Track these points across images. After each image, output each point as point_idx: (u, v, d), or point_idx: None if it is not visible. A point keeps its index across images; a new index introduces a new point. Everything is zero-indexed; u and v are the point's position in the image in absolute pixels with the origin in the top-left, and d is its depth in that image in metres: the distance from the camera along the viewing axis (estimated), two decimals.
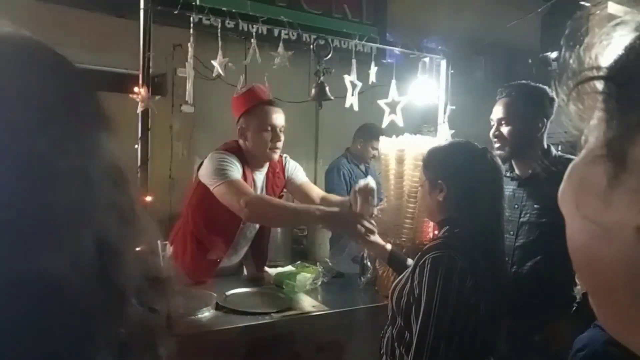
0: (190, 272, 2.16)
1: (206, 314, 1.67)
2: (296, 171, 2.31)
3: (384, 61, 3.38)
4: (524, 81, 1.78)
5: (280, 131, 2.08)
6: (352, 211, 1.85)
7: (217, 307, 1.72)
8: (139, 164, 1.38)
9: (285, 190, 2.30)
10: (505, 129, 1.75)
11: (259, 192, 2.16)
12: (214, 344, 1.58)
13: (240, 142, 2.11)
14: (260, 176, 2.18)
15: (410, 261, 1.73)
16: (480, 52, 5.06)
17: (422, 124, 3.44)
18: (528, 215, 1.71)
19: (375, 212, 1.86)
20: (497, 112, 1.77)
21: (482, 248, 1.35)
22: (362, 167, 3.55)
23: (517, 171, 1.80)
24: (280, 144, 2.08)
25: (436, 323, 1.24)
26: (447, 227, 1.42)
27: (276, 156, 2.10)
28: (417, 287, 1.32)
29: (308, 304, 1.85)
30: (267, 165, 2.19)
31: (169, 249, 2.15)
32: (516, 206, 1.75)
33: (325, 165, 3.82)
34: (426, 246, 1.40)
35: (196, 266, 2.15)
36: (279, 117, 2.06)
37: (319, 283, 2.06)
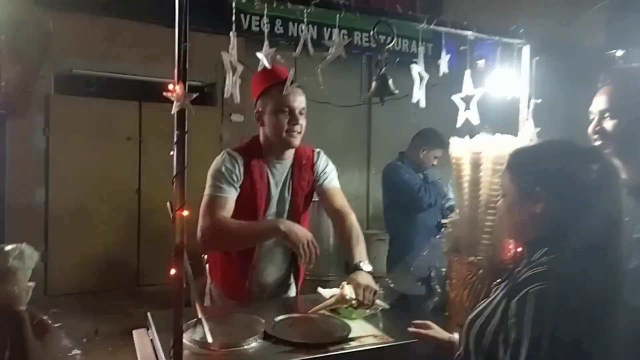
0: (224, 288, 2.00)
1: (253, 344, 1.46)
2: (327, 172, 2.05)
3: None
4: (635, 64, 1.46)
5: (300, 114, 1.87)
6: (299, 232, 1.71)
7: (265, 336, 1.51)
8: (174, 172, 1.18)
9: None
10: (609, 123, 1.43)
11: (279, 187, 1.97)
12: None
13: (260, 130, 1.94)
14: (281, 168, 1.97)
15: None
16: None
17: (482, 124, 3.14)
18: None
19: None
20: (599, 102, 1.46)
21: (596, 278, 1.05)
22: (420, 174, 3.26)
23: (624, 175, 1.47)
24: (299, 128, 1.87)
25: None
26: (545, 249, 1.12)
27: (295, 142, 1.89)
28: (513, 327, 1.03)
29: (369, 333, 1.59)
30: (289, 154, 1.97)
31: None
32: (627, 219, 1.42)
33: (379, 174, 3.56)
34: (521, 274, 1.11)
35: (227, 280, 2.02)
36: (297, 98, 1.85)
37: (380, 308, 1.80)
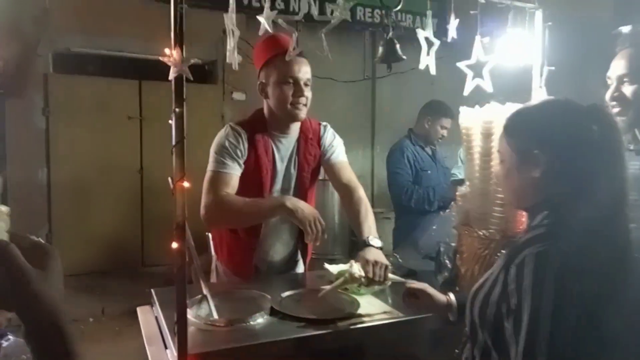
0: (230, 265, 1.97)
1: (259, 320, 1.42)
2: (334, 145, 1.99)
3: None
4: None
5: (306, 85, 1.80)
6: (305, 209, 1.67)
7: (272, 312, 1.47)
8: (173, 142, 1.12)
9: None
10: (629, 89, 1.37)
11: (285, 162, 1.91)
12: (268, 358, 1.32)
13: (264, 103, 1.88)
14: (286, 143, 1.91)
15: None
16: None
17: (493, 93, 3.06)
18: None
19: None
20: (618, 67, 1.39)
21: (601, 241, 1.00)
22: (429, 149, 3.19)
23: None
24: (304, 100, 1.80)
25: (549, 343, 0.93)
26: (546, 212, 1.07)
27: (301, 114, 1.82)
28: (513, 294, 0.99)
29: (378, 309, 1.55)
30: (295, 128, 1.91)
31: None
32: None
33: (383, 152, 3.50)
34: (521, 238, 1.06)
35: (233, 257, 1.97)
36: (302, 69, 1.78)
37: (389, 283, 1.76)
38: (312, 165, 1.95)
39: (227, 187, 1.76)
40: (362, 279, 1.61)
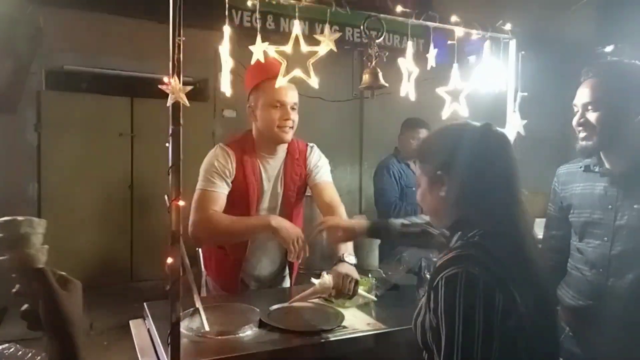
0: (219, 280, 2.04)
1: (248, 332, 1.49)
2: (319, 166, 2.07)
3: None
4: (614, 58, 1.51)
5: (292, 109, 1.90)
6: (289, 228, 1.75)
7: (260, 324, 1.54)
8: (169, 164, 1.20)
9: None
10: (592, 115, 1.48)
11: (272, 182, 1.99)
12: None
13: (253, 125, 1.97)
14: (273, 163, 1.99)
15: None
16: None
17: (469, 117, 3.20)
18: (626, 217, 1.43)
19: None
20: (583, 95, 1.50)
21: (508, 250, 1.05)
22: (413, 167, 3.30)
23: (607, 165, 1.52)
24: (290, 123, 1.90)
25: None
26: (459, 232, 1.13)
27: (287, 137, 1.92)
28: (433, 317, 1.03)
29: (361, 320, 1.63)
30: (282, 149, 2.00)
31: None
32: (610, 207, 1.47)
33: (371, 169, 3.61)
34: (438, 263, 1.09)
35: (221, 273, 2.06)
36: (289, 93, 1.88)
37: (364, 300, 1.83)
38: (297, 185, 2.03)
39: (214, 206, 1.83)
40: (332, 291, 1.69)
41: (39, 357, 1.17)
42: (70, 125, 4.81)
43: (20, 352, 1.15)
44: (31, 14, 4.44)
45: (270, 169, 1.99)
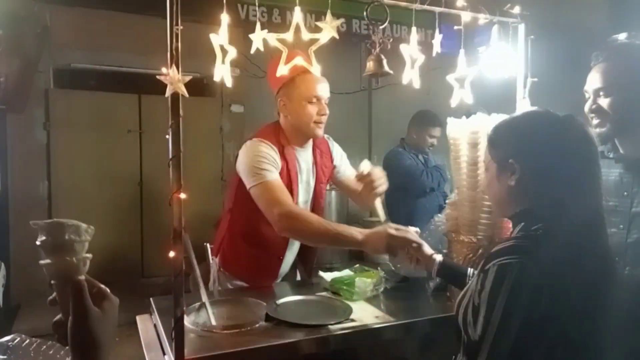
0: (251, 277, 1.99)
1: (255, 326, 1.47)
2: (343, 159, 2.13)
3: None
4: (626, 40, 1.45)
5: (326, 103, 1.89)
6: (395, 232, 1.57)
7: (267, 319, 1.52)
8: (169, 156, 1.18)
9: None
10: (605, 101, 1.43)
11: (304, 175, 1.96)
12: None
13: (281, 120, 1.94)
14: (305, 156, 1.98)
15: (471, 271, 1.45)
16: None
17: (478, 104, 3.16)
18: None
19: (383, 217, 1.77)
20: (594, 81, 1.45)
21: (576, 251, 1.03)
22: (421, 157, 3.26)
23: (621, 151, 1.47)
24: (325, 118, 1.89)
25: (491, 346, 0.98)
26: (523, 223, 1.10)
27: (321, 132, 1.91)
28: (476, 296, 1.03)
29: (370, 314, 1.60)
30: (310, 142, 1.99)
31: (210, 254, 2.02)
32: (625, 194, 1.42)
33: (380, 161, 3.57)
34: (495, 248, 1.08)
35: (253, 268, 1.99)
36: (325, 88, 1.87)
37: (381, 289, 1.81)
38: (327, 177, 2.06)
39: (284, 194, 1.75)
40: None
41: (44, 347, 1.16)
42: (79, 122, 4.83)
43: (25, 343, 1.14)
44: (38, 12, 4.47)
45: (303, 163, 1.98)
